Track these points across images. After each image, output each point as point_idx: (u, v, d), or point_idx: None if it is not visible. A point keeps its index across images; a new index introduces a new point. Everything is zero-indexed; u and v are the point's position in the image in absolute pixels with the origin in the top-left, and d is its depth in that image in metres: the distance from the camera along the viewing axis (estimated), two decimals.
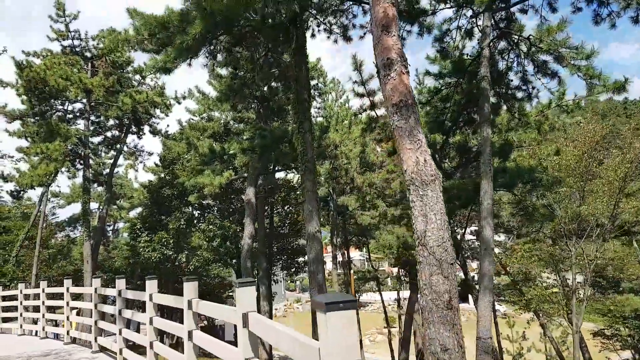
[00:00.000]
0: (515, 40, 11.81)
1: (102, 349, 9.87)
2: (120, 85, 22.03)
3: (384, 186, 22.45)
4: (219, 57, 14.30)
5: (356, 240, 30.91)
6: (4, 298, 15.25)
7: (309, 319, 46.25)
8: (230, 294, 36.80)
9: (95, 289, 9.90)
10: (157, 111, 23.40)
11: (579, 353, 19.89)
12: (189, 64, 11.17)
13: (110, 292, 9.42)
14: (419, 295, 5.97)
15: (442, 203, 5.96)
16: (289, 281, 71.27)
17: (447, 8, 11.56)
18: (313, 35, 12.47)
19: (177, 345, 24.63)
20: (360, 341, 26.67)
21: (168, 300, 6.55)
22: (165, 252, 22.27)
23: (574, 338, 20.47)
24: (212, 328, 32.19)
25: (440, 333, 5.65)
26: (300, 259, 28.46)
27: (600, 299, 24.51)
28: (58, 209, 36.57)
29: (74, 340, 11.44)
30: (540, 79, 11.47)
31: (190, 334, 5.32)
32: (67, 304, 11.43)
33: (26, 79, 18.87)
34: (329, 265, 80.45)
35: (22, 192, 24.01)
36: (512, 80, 12.62)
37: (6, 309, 15.78)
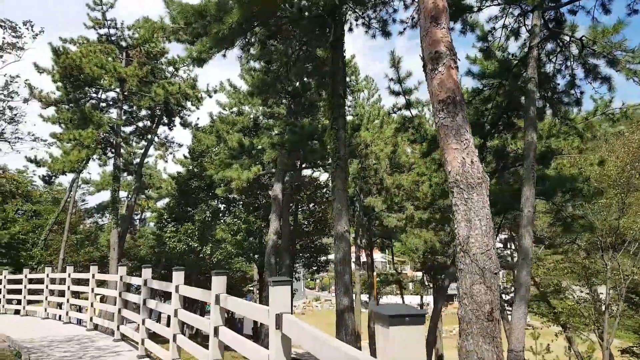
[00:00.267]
0: (565, 42, 11.25)
1: (124, 338, 9.78)
2: (153, 76, 22.10)
3: (412, 189, 21.98)
4: (253, 50, 14.16)
5: (380, 242, 30.52)
6: (31, 281, 15.40)
7: (328, 319, 45.97)
8: (250, 288, 36.82)
9: (121, 276, 9.79)
10: (189, 103, 23.37)
11: None
12: (224, 55, 11.02)
13: (135, 280, 9.29)
14: (457, 304, 5.57)
15: (488, 208, 5.58)
16: (308, 279, 71.08)
17: (494, 5, 11.08)
18: (350, 30, 12.15)
19: (196, 336, 24.68)
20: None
21: (195, 293, 6.33)
22: (190, 243, 22.30)
23: (603, 354, 19.69)
24: (230, 320, 32.22)
25: (479, 346, 5.28)
26: (323, 258, 28.21)
27: (632, 316, 23.54)
28: (88, 195, 37.12)
29: (95, 327, 11.41)
30: (591, 83, 10.88)
31: (216, 330, 5.07)
32: (92, 290, 11.41)
33: (62, 65, 19.05)
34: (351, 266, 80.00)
35: (53, 178, 24.31)
36: (558, 84, 12.04)
37: (32, 292, 15.93)
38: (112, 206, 22.21)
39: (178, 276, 6.92)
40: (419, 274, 51.54)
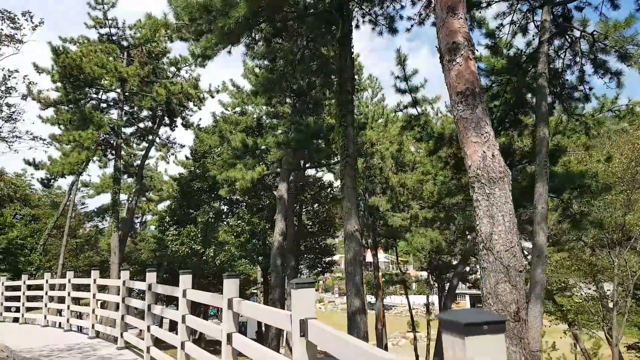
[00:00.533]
0: (574, 38, 11.03)
1: (128, 346, 9.48)
2: (155, 76, 21.84)
3: (416, 188, 21.75)
4: (257, 48, 13.95)
5: (384, 242, 30.26)
6: (29, 287, 15.02)
7: (331, 320, 45.69)
8: (254, 290, 36.54)
9: (124, 281, 9.49)
10: (191, 104, 23.10)
11: None
12: (229, 52, 10.80)
13: (139, 285, 8.99)
14: (481, 305, 5.34)
15: (511, 203, 5.36)
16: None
17: (502, 1, 10.87)
18: (357, 27, 11.92)
19: (199, 340, 24.40)
20: (386, 345, 25.99)
21: (204, 297, 6.08)
22: (193, 246, 22.03)
23: (612, 351, 19.49)
24: None
25: (506, 347, 5.05)
26: (328, 259, 27.97)
27: (635, 311, 23.36)
28: (87, 198, 36.73)
29: (97, 334, 11.07)
30: (602, 78, 10.65)
31: (229, 337, 4.80)
32: (94, 296, 11.02)
33: (62, 65, 18.76)
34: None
35: (52, 181, 23.99)
36: (567, 80, 11.82)
37: (31, 299, 15.50)
38: (112, 209, 21.88)
39: (185, 280, 6.65)
40: (422, 273, 51.33)
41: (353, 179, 9.93)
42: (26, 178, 35.07)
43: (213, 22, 9.55)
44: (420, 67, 14.24)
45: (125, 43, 21.98)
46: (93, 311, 11.04)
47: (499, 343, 1.51)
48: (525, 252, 18.49)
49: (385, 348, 25.15)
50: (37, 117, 20.97)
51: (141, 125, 24.53)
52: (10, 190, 34.29)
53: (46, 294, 13.72)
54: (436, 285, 28.75)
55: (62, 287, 14.01)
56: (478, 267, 34.52)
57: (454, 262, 27.20)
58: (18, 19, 10.86)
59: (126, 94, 21.56)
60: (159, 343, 8.71)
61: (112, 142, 22.12)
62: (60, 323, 13.02)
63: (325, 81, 14.43)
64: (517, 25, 11.57)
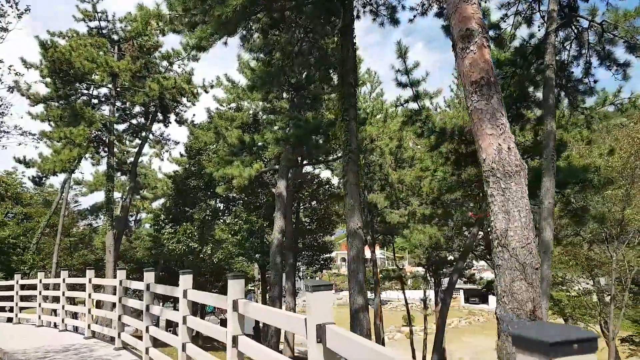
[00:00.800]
0: (581, 29, 10.80)
1: (125, 346, 9.20)
2: (147, 71, 21.39)
3: (414, 184, 21.56)
4: (255, 40, 13.62)
5: (381, 238, 30.08)
6: (23, 287, 14.69)
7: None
8: (251, 287, 36.25)
9: (120, 280, 9.21)
10: (184, 99, 22.68)
11: None
12: (225, 43, 10.48)
13: (136, 285, 8.70)
14: (496, 304, 5.10)
15: (527, 198, 5.11)
16: (308, 277, 70.77)
17: None
18: (357, 17, 11.61)
19: (197, 338, 24.08)
20: (383, 340, 25.83)
21: (207, 298, 5.80)
22: (190, 244, 21.70)
23: (609, 345, 19.45)
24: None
25: None
26: (326, 256, 27.75)
27: (635, 306, 23.37)
28: (80, 196, 36.09)
29: (93, 334, 10.78)
30: (609, 70, 10.43)
31: (235, 339, 4.53)
32: (89, 295, 10.75)
33: (50, 59, 18.26)
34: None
35: (44, 179, 23.50)
36: (572, 72, 11.61)
37: (24, 299, 15.18)
38: (106, 207, 21.50)
39: (186, 280, 6.36)
40: (416, 269, 51.29)
41: (356, 174, 9.66)
42: (17, 176, 34.49)
43: (208, 12, 9.23)
44: (420, 62, 13.97)
45: (115, 37, 21.47)
46: (89, 311, 10.79)
47: None
48: None
49: (383, 343, 25.00)
50: (27, 114, 20.50)
51: (134, 121, 24.09)
52: (1, 189, 33.77)
53: (40, 293, 13.45)
54: (433, 280, 28.62)
55: (56, 286, 13.73)
56: (475, 263, 34.46)
57: (450, 258, 27.10)
58: (2, 5, 10.26)
59: (118, 89, 21.12)
60: (154, 341, 8.43)
61: (104, 138, 21.68)
62: (55, 323, 12.71)
63: (324, 75, 14.12)
64: (522, 16, 11.32)
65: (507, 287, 4.92)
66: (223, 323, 32.01)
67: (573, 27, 11.18)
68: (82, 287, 11.04)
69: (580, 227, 17.45)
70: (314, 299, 3.01)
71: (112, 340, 9.80)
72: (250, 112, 22.55)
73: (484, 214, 16.71)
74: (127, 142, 26.52)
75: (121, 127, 23.91)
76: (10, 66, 10.28)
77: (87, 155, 21.45)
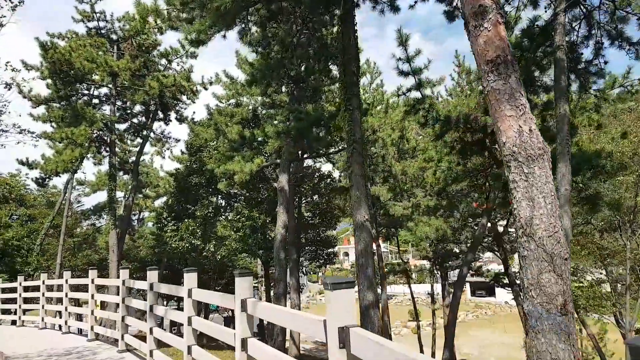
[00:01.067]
0: (592, 7, 10.43)
1: (129, 348, 8.95)
2: (146, 70, 21.20)
3: (416, 175, 21.22)
4: (253, 34, 13.32)
5: (385, 232, 29.77)
6: (27, 288, 14.50)
7: None
8: (255, 284, 36.04)
9: (124, 280, 8.94)
10: (184, 97, 22.49)
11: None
12: (224, 36, 10.17)
13: (139, 285, 8.44)
14: (523, 298, 4.75)
15: (552, 183, 4.79)
16: (310, 272, 70.62)
17: None
18: (357, 5, 11.25)
19: (200, 337, 23.87)
20: (390, 335, 25.56)
21: (213, 297, 5.50)
22: (193, 241, 21.47)
23: (627, 337, 19.09)
24: (232, 318, 31.41)
25: (553, 345, 4.49)
26: (329, 250, 27.47)
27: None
28: (83, 197, 36.00)
29: (97, 337, 10.57)
30: (622, 49, 10.07)
31: (244, 342, 4.23)
32: (92, 296, 10.54)
33: (50, 60, 18.12)
34: (353, 258, 79.22)
35: (47, 180, 23.30)
36: (582, 54, 11.25)
37: (28, 300, 15.01)
38: (109, 207, 21.36)
39: (190, 279, 6.07)
40: (421, 262, 51.04)
41: (361, 165, 9.35)
42: (21, 178, 34.42)
43: (206, 5, 8.93)
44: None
45: (114, 36, 21.30)
46: (92, 312, 10.56)
47: None
48: None
49: (390, 339, 24.74)
50: (29, 115, 20.34)
51: (135, 120, 23.95)
52: (5, 191, 33.65)
53: (43, 295, 13.27)
54: (439, 274, 28.29)
55: (59, 287, 13.55)
56: (481, 255, 34.11)
57: (456, 250, 26.78)
58: None
59: (118, 88, 20.91)
60: (158, 342, 8.18)
61: (105, 138, 21.52)
62: (60, 326, 12.51)
63: (324, 66, 13.78)
64: None
65: (534, 280, 4.61)
66: (227, 320, 31.79)
67: (582, 7, 10.82)
68: (85, 288, 10.84)
69: (594, 214, 17.07)
70: (334, 299, 2.69)
71: (115, 342, 9.59)
72: (250, 107, 22.29)
73: (492, 204, 16.40)
74: (129, 141, 26.31)
75: (122, 126, 23.85)
76: (7, 62, 9.97)
77: (89, 155, 21.33)
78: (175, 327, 25.11)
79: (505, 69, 4.93)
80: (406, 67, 13.70)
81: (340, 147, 19.35)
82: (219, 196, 25.75)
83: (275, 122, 18.24)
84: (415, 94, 14.78)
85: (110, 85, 20.72)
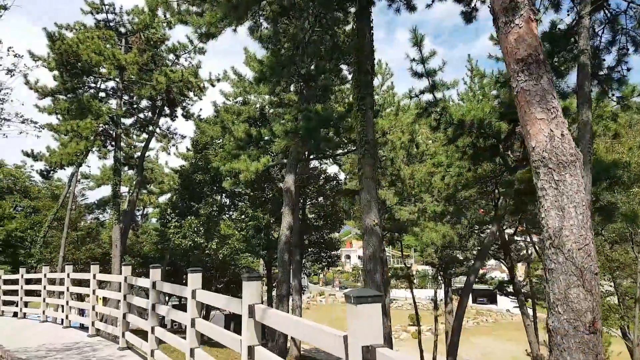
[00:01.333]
0: (616, 11, 10.12)
1: (130, 346, 8.71)
2: (154, 64, 20.99)
3: (423, 180, 20.91)
4: (263, 30, 13.09)
5: (389, 236, 29.46)
6: (29, 281, 14.33)
7: (333, 313, 45.05)
8: None
9: (126, 277, 8.71)
10: (191, 93, 22.27)
11: None
12: (235, 29, 9.91)
13: (142, 282, 8.21)
14: (548, 314, 4.44)
15: (584, 192, 4.50)
16: (312, 274, 70.39)
17: None
18: (373, 2, 10.97)
19: (202, 336, 23.61)
20: (391, 340, 25.23)
21: (218, 300, 5.21)
22: (195, 239, 21.22)
23: (633, 352, 18.75)
24: (234, 317, 31.09)
25: None
26: (333, 253, 27.21)
27: None
28: (88, 190, 35.82)
29: (98, 332, 10.35)
30: None
31: (250, 350, 3.95)
32: (93, 292, 10.36)
33: (58, 52, 17.90)
34: (355, 261, 78.93)
35: (51, 172, 23.09)
36: (604, 60, 10.94)
37: (29, 293, 14.85)
38: (113, 201, 21.13)
39: (195, 279, 5.81)
40: (423, 267, 50.60)
41: (372, 168, 9.06)
42: (25, 170, 34.37)
43: None
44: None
45: (123, 29, 21.07)
46: (93, 308, 10.37)
47: None
48: None
49: (391, 343, 24.43)
50: (34, 107, 20.16)
51: (141, 115, 23.71)
52: (9, 182, 33.63)
53: (44, 288, 13.07)
54: (443, 280, 27.96)
55: (61, 281, 13.36)
56: (485, 262, 33.75)
57: (460, 258, 26.43)
58: None
59: (125, 82, 20.68)
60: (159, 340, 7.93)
61: (111, 132, 21.33)
62: (62, 319, 12.32)
63: (335, 65, 13.51)
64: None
65: (561, 295, 4.31)
66: (228, 319, 31.43)
67: (606, 11, 10.53)
68: (87, 283, 10.66)
69: (608, 224, 16.69)
70: (358, 314, 2.38)
71: (116, 339, 9.36)
72: (257, 106, 22.08)
73: (502, 211, 16.08)
74: (134, 136, 26.12)
75: (128, 121, 23.64)
76: (10, 47, 9.69)
77: (94, 149, 21.21)
78: (176, 324, 24.85)
79: (536, 68, 4.65)
80: (420, 68, 13.39)
81: (347, 149, 19.07)
82: (224, 195, 25.52)
83: (283, 121, 18.01)
84: (427, 97, 14.51)
85: (117, 79, 20.51)
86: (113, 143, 21.48)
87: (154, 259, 24.64)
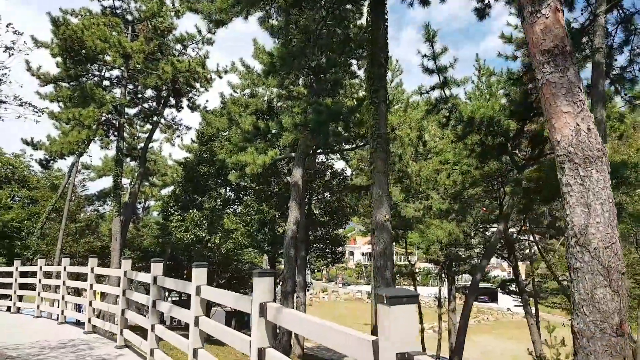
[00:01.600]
0: (630, 12, 9.92)
1: (128, 344, 8.46)
2: (160, 53, 20.68)
3: (429, 177, 20.73)
4: (274, 22, 12.88)
5: (394, 233, 29.29)
6: (25, 274, 13.87)
7: (336, 310, 44.84)
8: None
9: (125, 271, 8.43)
10: (197, 84, 21.95)
11: None
12: (246, 17, 9.69)
13: (142, 277, 7.90)
14: (573, 315, 4.24)
15: (610, 189, 4.32)
16: (316, 270, 70.21)
17: None
18: None
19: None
20: None
21: (225, 298, 4.97)
22: (198, 233, 20.99)
23: (635, 354, 18.61)
24: (236, 314, 30.95)
25: None
26: (338, 249, 27.04)
27: None
28: (88, 181, 35.37)
29: (94, 329, 10.05)
30: None
31: (261, 353, 3.73)
32: (91, 286, 9.94)
33: (62, 37, 17.54)
34: (358, 257, 78.70)
35: (51, 162, 22.73)
36: (616, 59, 10.76)
37: (24, 286, 14.37)
38: (114, 193, 20.79)
39: (199, 274, 5.55)
40: (426, 265, 50.42)
41: (384, 162, 8.86)
42: (24, 159, 33.87)
43: None
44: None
45: (129, 17, 20.76)
46: (90, 303, 10.02)
47: None
48: None
49: None
50: (36, 93, 19.85)
51: (145, 105, 23.32)
52: (7, 171, 33.11)
53: (39, 282, 12.60)
54: (447, 278, 27.80)
55: (58, 275, 12.98)
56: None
57: (464, 256, 26.27)
58: None
59: (130, 71, 20.39)
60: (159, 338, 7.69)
61: (114, 122, 20.98)
62: (57, 315, 11.95)
63: (346, 58, 13.30)
64: None
65: (587, 295, 4.12)
66: (229, 316, 31.25)
67: (620, 10, 10.32)
68: (85, 277, 10.30)
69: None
70: (392, 316, 2.13)
71: (113, 336, 9.08)
72: (265, 98, 21.82)
73: (509, 210, 15.90)
74: (138, 127, 25.86)
75: (132, 110, 23.24)
76: (9, 24, 9.39)
77: (96, 138, 20.80)
78: (175, 320, 24.62)
79: (563, 60, 4.44)
80: (431, 64, 13.24)
81: (355, 145, 18.85)
82: (228, 188, 25.27)
83: (292, 114, 17.81)
84: (437, 95, 14.34)
85: (122, 67, 20.19)
86: (116, 133, 21.17)
87: (155, 253, 24.34)
